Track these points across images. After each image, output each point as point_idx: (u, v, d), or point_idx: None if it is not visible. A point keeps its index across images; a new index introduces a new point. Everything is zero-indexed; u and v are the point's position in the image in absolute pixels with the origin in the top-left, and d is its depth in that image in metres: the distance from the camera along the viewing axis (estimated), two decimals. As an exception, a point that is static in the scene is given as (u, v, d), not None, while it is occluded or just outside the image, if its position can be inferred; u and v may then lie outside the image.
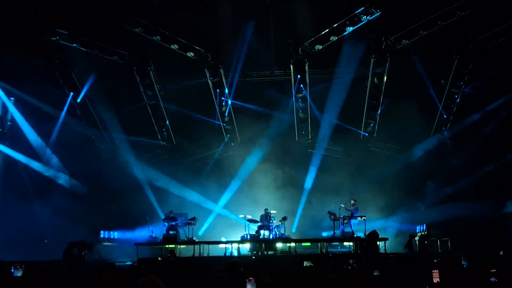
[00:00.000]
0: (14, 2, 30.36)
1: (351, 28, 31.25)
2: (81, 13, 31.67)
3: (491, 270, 12.72)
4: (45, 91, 33.70)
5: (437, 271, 12.56)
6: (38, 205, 34.32)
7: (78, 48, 32.16)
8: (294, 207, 35.22)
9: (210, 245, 31.19)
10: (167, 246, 30.47)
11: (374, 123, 35.36)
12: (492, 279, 12.54)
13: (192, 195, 35.51)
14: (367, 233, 30.10)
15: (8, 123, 35.14)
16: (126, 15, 31.15)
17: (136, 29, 31.18)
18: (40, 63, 32.91)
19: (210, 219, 35.29)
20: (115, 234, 33.46)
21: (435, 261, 19.71)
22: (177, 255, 27.51)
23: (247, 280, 9.93)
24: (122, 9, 31.47)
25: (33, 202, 34.36)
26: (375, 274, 13.31)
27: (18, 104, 34.63)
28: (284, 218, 31.57)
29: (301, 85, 33.97)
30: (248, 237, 31.29)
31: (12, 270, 13.54)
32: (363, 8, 30.56)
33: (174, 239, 30.96)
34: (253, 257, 27.49)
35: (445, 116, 34.36)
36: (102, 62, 33.39)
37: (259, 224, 31.82)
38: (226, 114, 35.66)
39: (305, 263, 15.54)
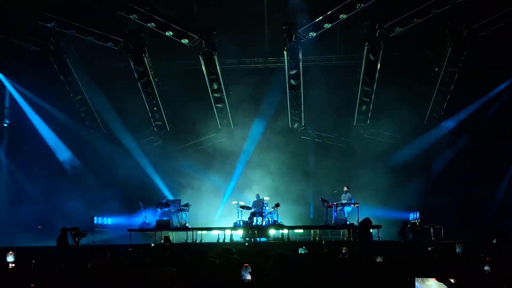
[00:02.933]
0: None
1: (345, 16, 31.13)
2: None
3: (485, 259, 12.70)
4: (40, 78, 33.84)
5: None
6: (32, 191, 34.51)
7: (72, 34, 32.06)
8: (287, 194, 35.18)
9: (202, 232, 31.28)
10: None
11: (367, 110, 35.34)
12: (486, 268, 12.53)
13: (185, 181, 35.51)
14: (360, 220, 30.19)
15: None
16: (121, 2, 31.05)
17: (131, 16, 31.04)
18: (34, 49, 32.85)
19: (203, 205, 35.22)
20: (109, 220, 33.54)
21: (429, 249, 19.71)
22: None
23: (242, 266, 9.89)
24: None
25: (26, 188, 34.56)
26: (378, 260, 13.26)
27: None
28: (277, 205, 31.52)
29: (295, 72, 33.88)
30: (241, 223, 31.33)
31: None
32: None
33: (167, 225, 31.01)
34: (246, 244, 27.53)
35: (438, 104, 34.42)
36: (97, 49, 33.38)
37: (252, 210, 31.85)
38: (219, 101, 35.54)
39: (300, 250, 15.52)
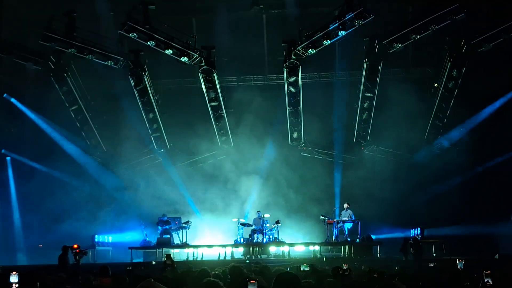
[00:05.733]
0: (10, 8, 30.54)
1: (344, 33, 31.22)
2: (75, 19, 31.85)
3: (486, 272, 12.65)
4: (41, 96, 34.06)
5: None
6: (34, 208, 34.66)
7: (73, 53, 32.17)
8: (287, 211, 35.15)
9: (203, 249, 31.28)
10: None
11: (367, 126, 35.37)
12: (487, 281, 12.46)
13: (186, 199, 35.48)
14: (361, 237, 30.17)
15: None
16: (121, 21, 31.20)
17: (130, 35, 31.14)
18: (35, 68, 32.99)
19: (203, 223, 35.20)
20: (109, 238, 33.53)
21: (431, 265, 19.71)
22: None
23: (248, 283, 9.72)
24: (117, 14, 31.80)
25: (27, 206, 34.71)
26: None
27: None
28: (278, 222, 31.56)
29: (295, 89, 33.92)
30: (242, 240, 31.32)
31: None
32: (356, 12, 30.54)
33: (168, 243, 31.01)
34: (247, 261, 27.49)
35: (438, 119, 34.47)
36: (97, 67, 33.50)
37: (253, 227, 31.86)
38: (219, 119, 35.55)
39: (302, 267, 15.43)
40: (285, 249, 30.88)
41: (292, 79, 33.48)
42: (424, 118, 34.75)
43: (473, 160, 34.34)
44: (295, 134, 36.31)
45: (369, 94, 33.84)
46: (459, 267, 18.05)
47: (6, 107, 34.74)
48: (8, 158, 35.68)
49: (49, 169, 35.38)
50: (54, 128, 35.07)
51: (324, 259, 28.23)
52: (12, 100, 34.52)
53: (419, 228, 31.06)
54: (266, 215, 32.38)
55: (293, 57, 32.72)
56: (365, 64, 32.93)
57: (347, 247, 30.30)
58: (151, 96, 34.43)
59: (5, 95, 34.45)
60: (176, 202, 35.27)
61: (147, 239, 31.93)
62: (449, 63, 32.39)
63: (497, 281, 12.44)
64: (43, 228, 34.01)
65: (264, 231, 31.26)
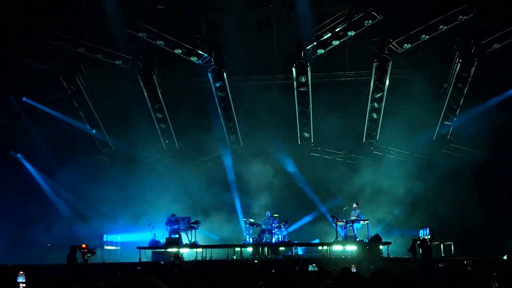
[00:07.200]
0: (19, 7, 30.55)
1: (353, 33, 31.18)
2: (84, 18, 31.90)
3: (493, 274, 12.65)
4: (50, 96, 34.14)
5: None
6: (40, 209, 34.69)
7: (82, 52, 32.23)
8: (296, 211, 35.13)
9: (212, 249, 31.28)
10: (169, 250, 30.41)
11: (376, 126, 35.32)
12: (494, 284, 12.45)
13: (195, 198, 35.46)
14: (370, 237, 30.12)
15: None
16: (130, 20, 31.25)
17: (140, 34, 31.18)
18: (44, 67, 33.04)
19: (213, 222, 35.20)
20: (118, 238, 33.51)
21: (440, 265, 19.65)
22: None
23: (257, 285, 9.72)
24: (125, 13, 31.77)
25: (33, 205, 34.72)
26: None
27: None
28: (287, 222, 31.56)
29: (304, 89, 33.88)
30: (250, 240, 31.31)
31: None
32: (365, 12, 30.52)
33: (177, 243, 30.97)
34: (256, 261, 27.48)
35: (448, 119, 34.39)
36: (106, 67, 33.53)
37: (262, 227, 31.85)
38: (229, 118, 35.52)
39: (310, 268, 15.42)
40: (294, 249, 30.86)
41: (301, 79, 33.43)
42: (434, 118, 34.69)
43: (483, 159, 34.37)
44: (305, 134, 36.27)
45: (378, 94, 33.79)
46: (467, 268, 18.05)
47: (13, 108, 34.85)
48: (19, 155, 35.71)
49: (56, 170, 35.52)
50: (62, 127, 35.13)
51: (333, 259, 28.18)
52: (24, 99, 34.67)
53: (428, 228, 30.99)
54: (275, 215, 32.34)
55: (302, 57, 32.71)
56: (374, 64, 32.85)
57: (355, 247, 30.22)
58: (160, 95, 34.43)
59: (11, 97, 34.59)
60: (185, 201, 35.26)
61: (156, 238, 31.89)
62: (459, 63, 32.32)
63: (505, 282, 12.44)
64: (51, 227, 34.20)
65: (273, 231, 31.25)
